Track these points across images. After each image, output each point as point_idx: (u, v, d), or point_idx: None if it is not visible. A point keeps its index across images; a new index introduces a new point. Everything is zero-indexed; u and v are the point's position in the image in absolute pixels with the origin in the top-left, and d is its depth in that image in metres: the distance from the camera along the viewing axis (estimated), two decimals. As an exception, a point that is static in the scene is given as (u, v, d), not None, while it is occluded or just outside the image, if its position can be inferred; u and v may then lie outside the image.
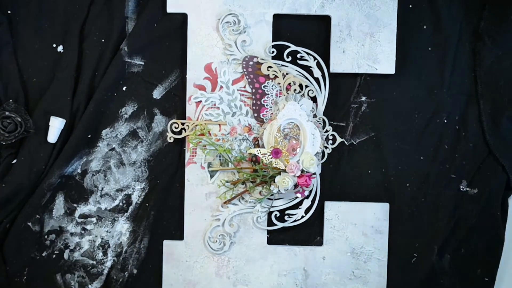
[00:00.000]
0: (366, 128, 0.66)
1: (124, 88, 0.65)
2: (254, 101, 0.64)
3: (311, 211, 0.65)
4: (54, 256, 0.65)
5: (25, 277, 0.64)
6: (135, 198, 0.65)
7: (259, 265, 0.65)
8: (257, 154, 0.63)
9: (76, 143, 0.64)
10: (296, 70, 0.64)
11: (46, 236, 0.64)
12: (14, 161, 0.64)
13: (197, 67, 0.64)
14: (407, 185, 0.66)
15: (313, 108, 0.64)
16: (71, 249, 0.65)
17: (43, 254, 0.64)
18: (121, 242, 0.65)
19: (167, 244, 0.65)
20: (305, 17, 0.65)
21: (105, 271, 0.65)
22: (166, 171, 0.65)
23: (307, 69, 0.64)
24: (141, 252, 0.66)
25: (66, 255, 0.65)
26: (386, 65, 0.64)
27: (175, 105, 0.65)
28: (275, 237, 0.66)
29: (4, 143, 0.62)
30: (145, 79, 0.65)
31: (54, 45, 0.64)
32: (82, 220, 0.65)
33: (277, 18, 0.64)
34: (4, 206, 0.63)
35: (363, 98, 0.66)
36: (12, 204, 0.63)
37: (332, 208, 0.65)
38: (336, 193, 0.66)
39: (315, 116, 0.64)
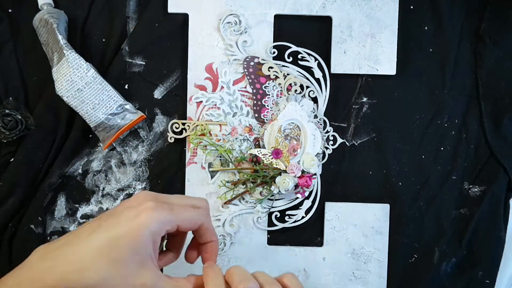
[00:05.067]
0: (367, 129, 0.66)
1: (125, 87, 0.65)
2: (255, 102, 0.64)
3: (311, 211, 0.65)
4: (55, 257, 0.65)
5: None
6: (136, 198, 0.66)
7: (259, 266, 0.65)
8: (257, 154, 0.63)
9: (76, 142, 0.64)
10: (297, 71, 0.64)
11: (48, 238, 0.65)
12: (12, 159, 0.64)
13: (198, 67, 0.64)
14: (408, 186, 0.66)
15: (314, 108, 0.64)
16: (73, 250, 0.65)
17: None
18: (122, 241, 0.65)
19: (168, 244, 0.65)
20: (306, 17, 0.65)
21: (107, 270, 0.66)
22: (166, 171, 0.65)
23: (308, 69, 0.64)
24: (142, 251, 0.66)
25: (67, 256, 0.65)
26: (387, 66, 0.64)
27: (176, 105, 0.65)
28: (276, 238, 0.66)
29: (5, 141, 0.62)
30: (146, 79, 0.65)
31: (55, 44, 0.64)
32: (84, 220, 0.65)
33: (278, 18, 0.64)
34: (2, 205, 0.63)
35: (364, 99, 0.66)
36: (10, 203, 0.63)
37: (332, 209, 0.65)
38: (336, 194, 0.66)
39: (316, 116, 0.64)
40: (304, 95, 0.64)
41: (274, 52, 0.64)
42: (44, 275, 0.40)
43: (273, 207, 0.65)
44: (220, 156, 0.64)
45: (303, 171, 0.63)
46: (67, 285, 0.40)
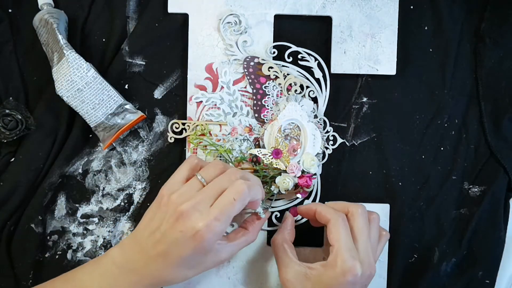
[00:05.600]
0: (368, 129, 0.66)
1: (125, 87, 0.65)
2: (255, 102, 0.64)
3: (311, 211, 0.65)
4: (57, 256, 0.65)
5: (30, 281, 0.64)
6: (136, 198, 0.66)
7: (259, 266, 0.65)
8: (257, 154, 0.63)
9: (76, 142, 0.64)
10: (297, 71, 0.64)
11: (48, 237, 0.65)
12: (12, 159, 0.64)
13: (198, 67, 0.64)
14: (408, 186, 0.66)
15: (314, 108, 0.64)
16: (74, 250, 0.65)
17: (46, 255, 0.64)
18: (122, 241, 0.66)
19: (168, 244, 0.65)
20: (306, 17, 0.65)
21: (107, 271, 0.66)
22: (167, 171, 0.65)
23: (308, 69, 0.64)
24: (142, 251, 0.66)
25: (69, 256, 0.65)
26: (387, 66, 0.64)
27: (176, 105, 0.65)
28: (276, 238, 0.66)
29: (5, 141, 0.62)
30: (146, 79, 0.65)
31: (55, 44, 0.64)
32: (84, 220, 0.65)
33: (278, 18, 0.64)
34: (3, 205, 0.63)
35: (365, 99, 0.66)
36: (10, 203, 0.63)
37: (332, 209, 0.65)
38: (336, 194, 0.66)
39: (316, 116, 0.64)
40: (304, 95, 0.64)
41: (274, 52, 0.64)
42: (133, 285, 0.50)
43: (273, 207, 0.64)
44: (220, 156, 0.64)
45: (303, 171, 0.63)
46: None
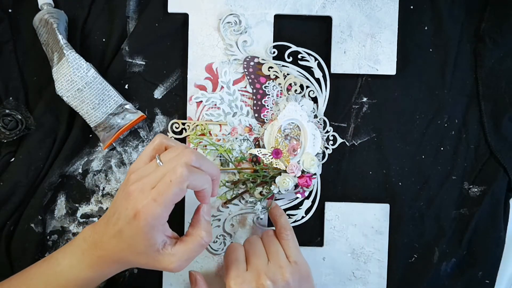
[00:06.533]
0: (368, 129, 0.66)
1: (125, 87, 0.65)
2: (255, 102, 0.64)
3: (311, 211, 0.65)
4: (56, 256, 0.65)
5: (29, 281, 0.64)
6: (136, 198, 0.65)
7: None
8: (257, 154, 0.63)
9: (76, 142, 0.64)
10: (297, 71, 0.64)
11: (48, 237, 0.65)
12: (13, 159, 0.64)
13: (198, 67, 0.64)
14: (408, 186, 0.66)
15: (314, 108, 0.64)
16: (73, 249, 0.65)
17: (46, 255, 0.64)
18: (122, 241, 0.65)
19: (168, 244, 0.65)
20: (306, 17, 0.65)
21: (106, 270, 0.66)
22: (167, 171, 0.65)
23: (308, 69, 0.64)
24: (142, 251, 0.66)
25: (68, 255, 0.65)
26: (387, 66, 0.64)
27: (176, 105, 0.65)
28: (276, 238, 0.66)
29: (5, 140, 0.62)
30: (146, 79, 0.65)
31: (55, 44, 0.64)
32: (84, 220, 0.65)
33: (278, 18, 0.64)
34: (3, 205, 0.63)
35: (364, 99, 0.66)
36: (10, 203, 0.63)
37: (332, 209, 0.65)
38: (336, 194, 0.66)
39: (316, 116, 0.64)
40: (304, 95, 0.64)
41: (274, 52, 0.64)
42: (98, 260, 0.52)
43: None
44: (220, 156, 0.64)
45: (303, 171, 0.63)
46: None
